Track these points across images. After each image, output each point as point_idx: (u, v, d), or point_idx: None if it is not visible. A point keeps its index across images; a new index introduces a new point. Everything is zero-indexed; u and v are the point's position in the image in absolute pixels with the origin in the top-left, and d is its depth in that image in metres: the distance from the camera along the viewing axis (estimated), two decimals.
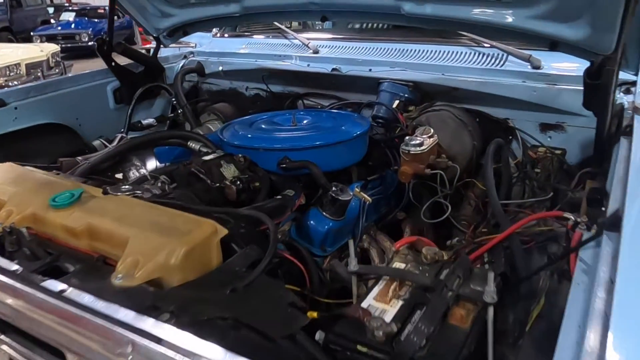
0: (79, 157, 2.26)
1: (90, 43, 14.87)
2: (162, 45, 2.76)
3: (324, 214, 1.77)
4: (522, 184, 2.03)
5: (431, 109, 2.11)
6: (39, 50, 9.16)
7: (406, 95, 2.18)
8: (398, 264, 1.17)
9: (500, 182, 1.97)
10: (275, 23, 2.72)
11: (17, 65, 8.50)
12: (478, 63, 2.11)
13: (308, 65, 2.40)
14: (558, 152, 1.97)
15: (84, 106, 2.50)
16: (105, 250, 1.15)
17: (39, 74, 8.60)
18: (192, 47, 3.24)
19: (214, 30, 3.21)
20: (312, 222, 1.76)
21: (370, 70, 2.23)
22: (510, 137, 2.07)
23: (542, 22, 1.64)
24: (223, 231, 1.13)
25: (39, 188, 1.32)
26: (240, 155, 1.83)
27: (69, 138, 2.49)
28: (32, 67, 8.65)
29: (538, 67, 1.98)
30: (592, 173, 1.79)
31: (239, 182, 1.62)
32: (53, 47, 9.53)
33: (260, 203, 1.55)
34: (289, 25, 3.02)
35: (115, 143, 2.43)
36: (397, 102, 2.18)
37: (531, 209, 1.85)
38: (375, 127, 2.22)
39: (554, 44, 1.72)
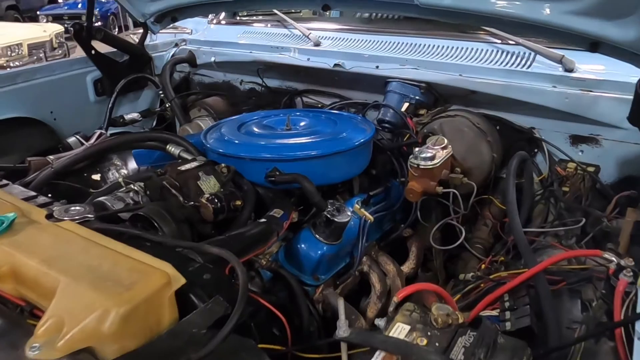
0: (50, 157, 2.03)
1: (97, 24, 14.63)
2: (150, 32, 2.52)
3: (317, 236, 1.53)
4: (547, 204, 1.78)
5: (445, 115, 1.85)
6: (42, 31, 8.97)
7: (417, 97, 1.92)
8: (401, 325, 0.92)
9: (521, 201, 1.72)
10: (275, 11, 2.45)
11: (19, 45, 8.31)
12: (501, 63, 1.83)
13: (308, 59, 2.14)
14: (591, 169, 1.70)
15: (60, 98, 2.27)
16: (33, 299, 0.92)
17: (41, 55, 8.39)
18: (187, 33, 2.99)
19: (210, 16, 2.95)
20: (303, 246, 1.52)
21: (377, 67, 1.97)
22: (536, 150, 1.80)
23: (583, 18, 1.37)
24: (179, 280, 0.90)
25: None
26: (223, 165, 1.58)
27: (43, 133, 2.26)
28: (34, 47, 8.46)
29: (571, 70, 1.71)
30: (632, 198, 1.53)
31: (216, 201, 1.38)
32: (57, 28, 9.32)
33: (239, 230, 1.31)
34: (294, 12, 2.76)
35: (92, 140, 2.20)
36: (406, 104, 1.91)
37: (558, 237, 1.59)
38: (381, 132, 1.96)
39: (594, 45, 1.45)
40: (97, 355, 0.80)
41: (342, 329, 0.87)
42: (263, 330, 1.07)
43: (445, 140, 1.67)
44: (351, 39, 2.19)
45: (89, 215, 1.15)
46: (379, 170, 1.97)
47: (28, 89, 2.14)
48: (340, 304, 0.87)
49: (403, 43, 2.04)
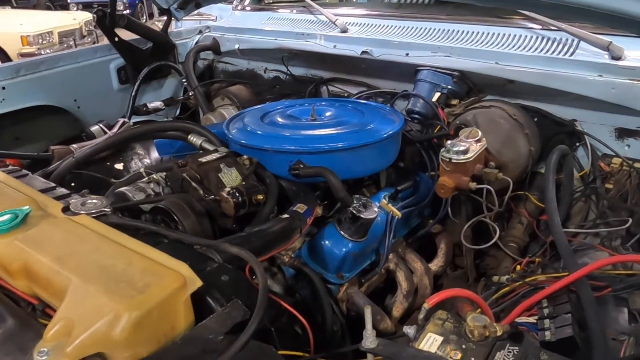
0: (74, 145, 2.02)
1: (125, 12, 14.78)
2: (174, 19, 2.47)
3: (342, 233, 1.46)
4: (587, 202, 1.67)
5: (479, 105, 1.74)
6: (72, 19, 9.07)
7: (449, 86, 1.82)
8: (433, 336, 0.85)
9: (559, 198, 1.61)
10: None
11: (50, 33, 8.41)
12: (541, 50, 1.71)
13: (334, 46, 2.05)
14: (638, 165, 1.58)
15: (83, 86, 2.24)
16: (46, 297, 0.88)
17: (71, 43, 8.51)
18: (212, 20, 2.94)
19: (235, 2, 2.88)
20: (327, 242, 1.46)
21: (407, 54, 1.87)
22: (577, 144, 1.68)
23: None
24: (195, 283, 0.84)
25: None
26: (245, 157, 1.53)
27: (67, 122, 2.25)
28: (64, 35, 8.56)
29: (619, 58, 1.58)
30: None
31: (237, 194, 1.32)
32: (86, 16, 9.41)
33: (261, 226, 1.25)
34: None
35: (115, 129, 2.17)
36: (437, 94, 1.81)
37: (600, 238, 1.49)
38: (410, 123, 1.87)
39: None
40: None
41: (369, 340, 0.80)
42: (285, 334, 1.01)
43: (479, 133, 1.57)
44: (380, 25, 2.09)
45: (106, 209, 1.11)
46: (408, 164, 1.89)
47: (52, 77, 2.12)
48: (367, 313, 0.80)
49: (435, 29, 1.93)
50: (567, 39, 1.70)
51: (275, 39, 2.25)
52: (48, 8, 15.27)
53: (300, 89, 2.29)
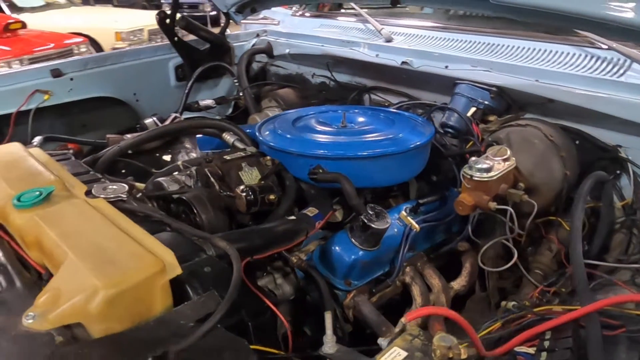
0: (127, 135, 2.18)
1: (211, 13, 15.52)
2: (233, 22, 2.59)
3: (353, 240, 1.46)
4: (628, 234, 1.55)
5: (515, 123, 1.68)
6: None
7: (486, 102, 1.76)
8: (397, 350, 0.85)
9: (597, 227, 1.51)
10: (352, 4, 2.39)
11: (141, 30, 9.03)
12: (587, 69, 1.62)
13: (377, 55, 2.06)
14: None
15: (143, 82, 2.42)
16: (50, 268, 0.98)
17: (159, 40, 9.09)
18: (275, 24, 3.04)
19: (295, 8, 2.97)
20: (336, 248, 1.47)
21: (446, 67, 1.83)
22: (619, 172, 1.57)
23: None
24: (174, 270, 0.90)
25: (22, 179, 1.19)
26: (268, 158, 1.58)
27: (126, 113, 2.43)
28: (153, 33, 9.15)
29: None
30: None
31: (250, 193, 1.37)
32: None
33: (266, 225, 1.30)
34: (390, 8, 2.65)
35: (167, 123, 2.32)
36: (473, 109, 1.77)
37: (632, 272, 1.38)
38: (446, 137, 1.83)
39: None
40: (87, 332, 0.83)
41: (328, 345, 0.81)
42: (267, 332, 1.04)
43: (508, 152, 1.51)
44: (425, 36, 2.07)
45: (123, 195, 1.20)
46: (440, 178, 1.85)
47: (115, 71, 2.31)
48: (328, 318, 0.82)
49: (477, 42, 1.88)
50: (617, 59, 1.59)
51: (322, 46, 2.30)
52: (144, 7, 16.45)
53: (344, 95, 2.32)
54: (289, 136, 1.68)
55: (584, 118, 1.61)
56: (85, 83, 2.22)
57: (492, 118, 1.79)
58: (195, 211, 1.44)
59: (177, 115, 2.37)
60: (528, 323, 1.21)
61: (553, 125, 1.65)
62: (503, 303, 1.35)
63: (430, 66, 1.88)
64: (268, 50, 2.68)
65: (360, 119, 1.80)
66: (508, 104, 1.77)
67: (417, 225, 1.56)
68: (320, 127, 1.74)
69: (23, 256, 1.03)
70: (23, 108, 2.04)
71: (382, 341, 0.88)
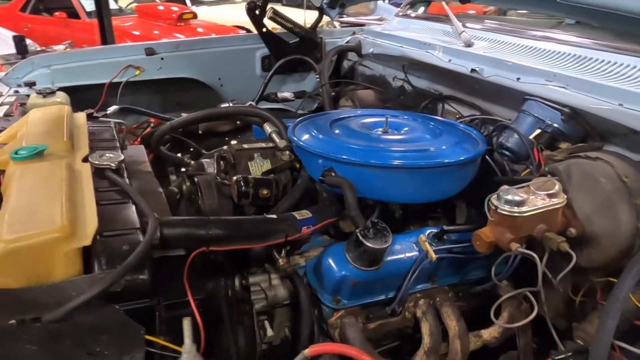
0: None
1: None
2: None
3: (347, 255, 1.32)
4: None
5: (584, 154, 1.35)
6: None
7: (555, 124, 1.45)
8: None
9: None
10: (443, 4, 2.18)
11: None
12: None
13: (449, 60, 1.83)
14: None
15: (229, 68, 2.52)
16: None
17: None
18: (378, 22, 2.95)
19: (401, 8, 2.82)
20: (329, 260, 1.33)
21: (518, 79, 1.55)
22: None
23: None
24: (84, 240, 0.89)
25: (40, 136, 1.31)
26: (286, 153, 1.51)
27: (209, 96, 2.55)
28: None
29: None
30: None
31: (242, 184, 1.32)
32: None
33: (240, 218, 1.23)
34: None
35: None
36: (538, 131, 1.47)
37: None
38: (503, 159, 1.56)
39: None
40: None
41: (184, 356, 0.72)
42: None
43: (557, 186, 1.22)
44: (508, 43, 1.78)
45: (112, 164, 1.24)
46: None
47: (203, 56, 2.44)
48: (186, 325, 0.73)
49: (562, 53, 1.55)
50: None
51: (401, 47, 2.13)
52: (308, 7, 17.39)
53: (421, 102, 2.13)
54: (316, 135, 1.58)
55: None
56: (174, 63, 2.38)
57: (563, 145, 1.47)
58: (199, 194, 1.44)
59: (252, 103, 2.42)
60: None
61: (636, 164, 1.29)
62: None
63: (500, 76, 1.61)
64: (357, 49, 2.58)
65: (405, 127, 1.63)
66: (585, 130, 1.43)
67: (433, 254, 1.35)
68: (358, 131, 1.61)
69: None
70: (116, 80, 2.26)
71: None
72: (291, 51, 2.55)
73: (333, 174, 1.40)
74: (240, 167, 1.46)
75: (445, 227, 1.41)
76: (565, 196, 1.23)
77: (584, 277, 1.36)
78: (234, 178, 1.35)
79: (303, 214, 1.31)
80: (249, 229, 1.19)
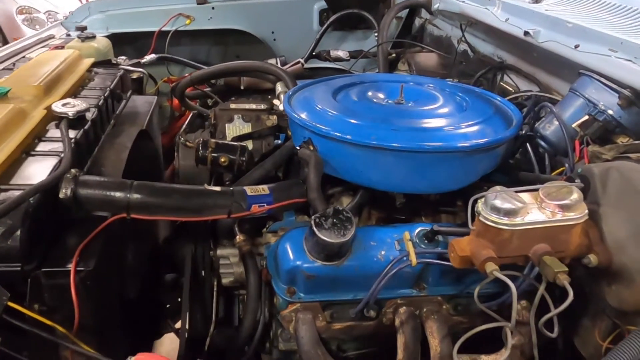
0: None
1: None
2: None
3: (305, 244, 1.13)
4: None
5: (636, 157, 0.97)
6: None
7: (610, 110, 1.06)
8: None
9: None
10: None
11: None
12: None
13: (507, 20, 1.46)
14: None
15: (283, 21, 2.36)
16: None
17: None
18: None
19: None
20: (286, 245, 1.16)
21: (576, 47, 1.17)
22: None
23: None
24: None
25: (23, 77, 1.30)
26: (274, 117, 1.34)
27: (259, 50, 2.43)
28: None
29: None
30: None
31: (200, 148, 1.19)
32: None
33: (180, 186, 1.09)
34: None
35: (287, 66, 2.22)
36: (585, 117, 1.10)
37: None
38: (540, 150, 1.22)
39: None
40: None
41: None
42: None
43: (575, 196, 0.89)
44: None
45: (70, 114, 1.18)
46: None
47: (256, 7, 2.31)
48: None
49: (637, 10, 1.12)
50: None
51: (463, 2, 1.77)
52: None
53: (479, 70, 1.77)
54: (308, 99, 1.36)
55: None
56: (225, 14, 2.28)
57: (622, 139, 1.08)
58: (176, 153, 1.35)
59: (301, 60, 2.24)
60: None
61: None
62: None
63: (556, 42, 1.23)
64: (427, 4, 2.23)
65: (426, 98, 1.34)
66: None
67: (414, 257, 1.10)
68: (365, 100, 1.37)
69: None
70: (166, 28, 2.23)
71: None
72: (351, 5, 2.29)
73: (312, 147, 1.20)
74: (218, 127, 1.32)
75: (436, 227, 1.14)
76: (587, 210, 0.90)
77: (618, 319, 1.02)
78: (196, 141, 1.22)
79: (258, 190, 1.13)
80: (178, 200, 1.05)
